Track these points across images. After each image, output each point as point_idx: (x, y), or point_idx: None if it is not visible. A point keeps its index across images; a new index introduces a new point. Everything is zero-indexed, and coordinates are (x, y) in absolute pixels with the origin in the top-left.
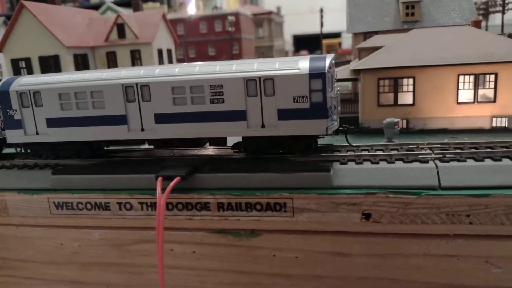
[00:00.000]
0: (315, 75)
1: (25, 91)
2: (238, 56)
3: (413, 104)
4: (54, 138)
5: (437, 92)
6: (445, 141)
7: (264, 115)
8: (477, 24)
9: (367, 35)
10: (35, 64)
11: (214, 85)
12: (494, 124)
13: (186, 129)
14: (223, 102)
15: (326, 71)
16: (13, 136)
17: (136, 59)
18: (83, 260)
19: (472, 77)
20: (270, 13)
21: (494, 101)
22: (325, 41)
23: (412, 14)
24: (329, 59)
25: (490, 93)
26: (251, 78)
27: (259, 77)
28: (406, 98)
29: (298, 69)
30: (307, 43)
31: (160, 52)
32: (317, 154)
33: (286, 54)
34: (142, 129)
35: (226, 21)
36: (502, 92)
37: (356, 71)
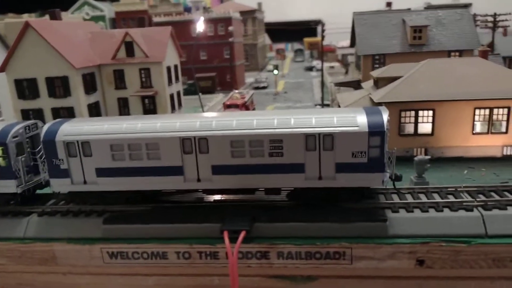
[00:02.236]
0: (375, 133)
1: (73, 141)
2: (230, 60)
3: (432, 134)
4: (104, 187)
5: (454, 123)
6: (465, 172)
7: (322, 168)
8: (484, 54)
9: (375, 56)
10: (42, 85)
11: (274, 140)
12: (504, 153)
13: (243, 180)
14: (282, 155)
15: (385, 129)
16: (58, 185)
17: (145, 77)
18: None
19: (487, 111)
20: (254, 11)
21: (506, 132)
22: (306, 39)
23: (420, 37)
24: (385, 115)
25: (503, 124)
26: (310, 134)
27: (319, 133)
28: (425, 128)
29: (358, 126)
30: (278, 32)
31: (168, 69)
32: (366, 200)
33: (265, 47)
34: (199, 180)
35: (219, 26)
36: None
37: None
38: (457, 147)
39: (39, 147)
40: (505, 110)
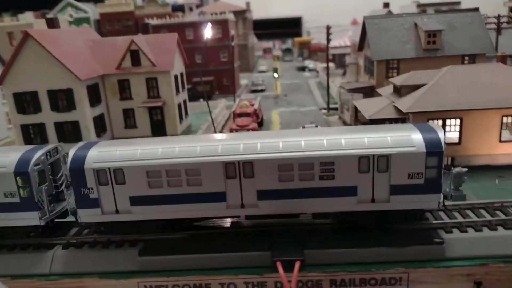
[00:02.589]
0: (432, 153)
1: (104, 168)
2: (228, 64)
3: (459, 143)
4: (139, 216)
5: (481, 131)
6: (496, 182)
7: (375, 190)
8: (503, 59)
9: (389, 61)
10: (43, 99)
11: (325, 162)
12: None
13: (291, 205)
14: (333, 178)
15: (443, 149)
16: (87, 215)
17: (152, 87)
18: None
19: None
20: (245, 11)
21: None
22: (297, 39)
23: (434, 42)
24: (441, 133)
25: None
26: (364, 155)
27: (373, 155)
28: (453, 137)
29: (414, 146)
30: (261, 28)
31: (176, 78)
32: (416, 220)
33: (254, 48)
34: (242, 205)
35: (215, 28)
36: None
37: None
38: (484, 156)
39: (60, 174)
40: None
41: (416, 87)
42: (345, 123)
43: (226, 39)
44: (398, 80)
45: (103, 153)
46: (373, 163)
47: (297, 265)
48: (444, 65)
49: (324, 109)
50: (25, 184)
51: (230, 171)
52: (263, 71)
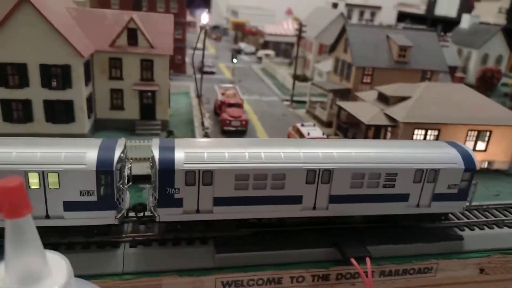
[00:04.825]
0: (468, 169)
1: (194, 169)
2: (182, 41)
3: None
4: (220, 216)
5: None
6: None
7: (421, 197)
8: (460, 80)
9: (366, 68)
10: (33, 73)
11: (389, 173)
12: (482, 166)
13: (358, 208)
14: (393, 186)
15: (476, 167)
16: (167, 214)
17: (146, 69)
18: None
19: (476, 132)
20: None
21: (485, 150)
22: (232, 20)
23: (404, 56)
24: (472, 152)
25: (484, 144)
26: (420, 168)
27: (427, 169)
28: None
29: (456, 163)
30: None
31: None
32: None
33: None
34: (314, 208)
35: (171, 2)
36: (492, 144)
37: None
38: None
39: (126, 169)
40: (488, 133)
41: (402, 98)
42: (315, 118)
43: (181, 15)
44: (387, 90)
45: (191, 155)
46: (425, 175)
47: (368, 260)
48: (409, 77)
49: (287, 101)
50: (107, 182)
51: (310, 177)
52: (198, 49)
